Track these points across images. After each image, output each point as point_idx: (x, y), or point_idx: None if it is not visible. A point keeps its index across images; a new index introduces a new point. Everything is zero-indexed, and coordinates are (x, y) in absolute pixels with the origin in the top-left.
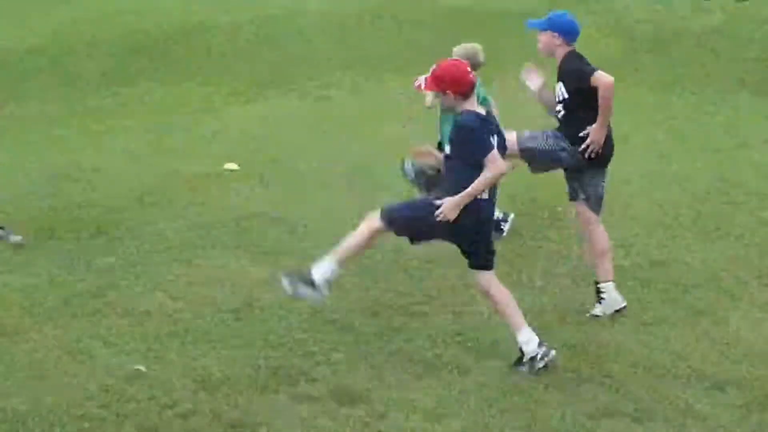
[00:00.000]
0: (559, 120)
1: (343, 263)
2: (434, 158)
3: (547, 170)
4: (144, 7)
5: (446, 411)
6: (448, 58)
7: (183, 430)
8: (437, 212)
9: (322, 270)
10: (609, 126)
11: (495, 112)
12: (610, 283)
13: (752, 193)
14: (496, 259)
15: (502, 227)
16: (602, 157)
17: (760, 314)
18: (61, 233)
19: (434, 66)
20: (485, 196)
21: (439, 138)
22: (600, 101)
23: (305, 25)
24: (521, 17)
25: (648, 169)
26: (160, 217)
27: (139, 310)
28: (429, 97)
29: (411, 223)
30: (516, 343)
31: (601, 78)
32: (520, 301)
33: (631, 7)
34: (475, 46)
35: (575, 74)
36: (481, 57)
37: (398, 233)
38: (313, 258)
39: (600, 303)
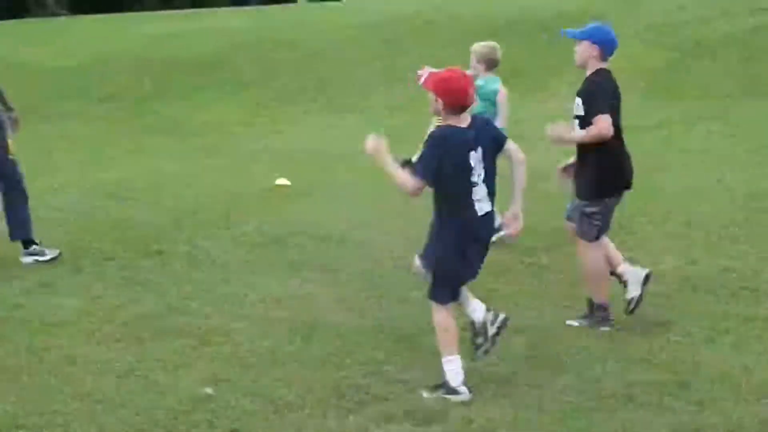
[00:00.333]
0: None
1: (453, 350)
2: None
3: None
4: (189, 31)
5: (524, 428)
6: (460, 69)
7: None
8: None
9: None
10: (627, 152)
11: (502, 109)
12: (623, 264)
13: None
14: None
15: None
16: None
17: None
18: (117, 253)
19: (444, 68)
20: (480, 213)
21: None
22: (592, 132)
23: (346, 41)
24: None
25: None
26: (213, 236)
27: (200, 331)
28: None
29: (452, 281)
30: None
31: (599, 123)
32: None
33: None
34: (493, 44)
35: (588, 102)
36: (498, 54)
37: (455, 296)
38: (372, 274)
39: (627, 287)
